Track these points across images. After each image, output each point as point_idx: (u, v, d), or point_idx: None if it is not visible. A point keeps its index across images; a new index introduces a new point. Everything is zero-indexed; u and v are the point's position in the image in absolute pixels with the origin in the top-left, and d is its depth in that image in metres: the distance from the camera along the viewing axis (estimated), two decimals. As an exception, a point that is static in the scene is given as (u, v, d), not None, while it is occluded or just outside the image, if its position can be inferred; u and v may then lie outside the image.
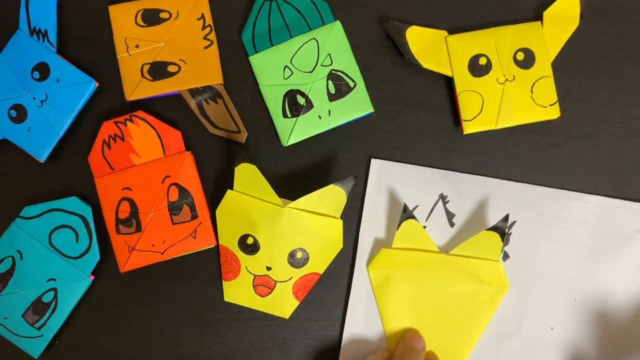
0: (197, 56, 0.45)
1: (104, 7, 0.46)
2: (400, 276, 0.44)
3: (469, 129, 0.45)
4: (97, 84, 0.45)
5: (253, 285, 0.44)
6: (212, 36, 0.46)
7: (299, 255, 0.43)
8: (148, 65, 0.45)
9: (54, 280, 0.43)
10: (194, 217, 0.44)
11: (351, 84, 0.45)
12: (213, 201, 0.45)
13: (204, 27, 0.46)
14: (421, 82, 0.47)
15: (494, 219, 0.45)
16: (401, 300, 0.44)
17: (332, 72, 0.45)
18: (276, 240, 0.42)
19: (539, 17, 0.46)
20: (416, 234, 0.43)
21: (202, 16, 0.46)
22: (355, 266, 0.45)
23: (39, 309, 0.43)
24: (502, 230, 0.42)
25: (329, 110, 0.45)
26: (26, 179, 0.46)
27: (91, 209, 0.44)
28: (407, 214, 0.43)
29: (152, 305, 0.45)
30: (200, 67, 0.45)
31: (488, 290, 0.44)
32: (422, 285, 0.44)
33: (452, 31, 0.46)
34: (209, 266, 0.45)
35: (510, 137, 0.46)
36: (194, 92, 0.45)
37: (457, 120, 0.46)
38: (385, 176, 0.45)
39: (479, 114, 0.45)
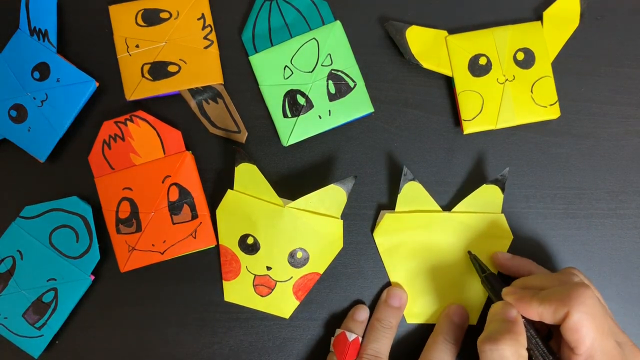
0: (197, 56, 0.45)
1: (104, 7, 0.46)
2: (406, 239, 0.44)
3: (469, 129, 0.45)
4: (97, 84, 0.45)
5: (253, 285, 0.44)
6: (212, 36, 0.46)
7: (299, 255, 0.43)
8: (148, 65, 0.45)
9: (54, 280, 0.43)
10: (194, 217, 0.44)
11: (351, 84, 0.45)
12: (213, 201, 0.45)
13: (204, 27, 0.46)
14: (421, 82, 0.47)
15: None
16: (410, 262, 0.44)
17: (332, 72, 0.45)
18: (276, 240, 0.42)
19: (539, 17, 0.46)
20: (418, 196, 0.44)
21: (202, 16, 0.46)
22: None
23: (39, 308, 0.43)
24: (502, 182, 0.43)
25: (329, 110, 0.45)
26: (26, 179, 0.46)
27: (91, 208, 0.44)
28: (407, 176, 0.43)
29: (152, 305, 0.45)
30: (200, 67, 0.45)
31: (493, 243, 0.44)
32: (428, 245, 0.44)
33: (452, 31, 0.46)
34: (209, 266, 0.45)
35: (510, 137, 0.46)
36: (194, 92, 0.45)
37: (457, 120, 0.46)
38: None
39: (479, 114, 0.45)
